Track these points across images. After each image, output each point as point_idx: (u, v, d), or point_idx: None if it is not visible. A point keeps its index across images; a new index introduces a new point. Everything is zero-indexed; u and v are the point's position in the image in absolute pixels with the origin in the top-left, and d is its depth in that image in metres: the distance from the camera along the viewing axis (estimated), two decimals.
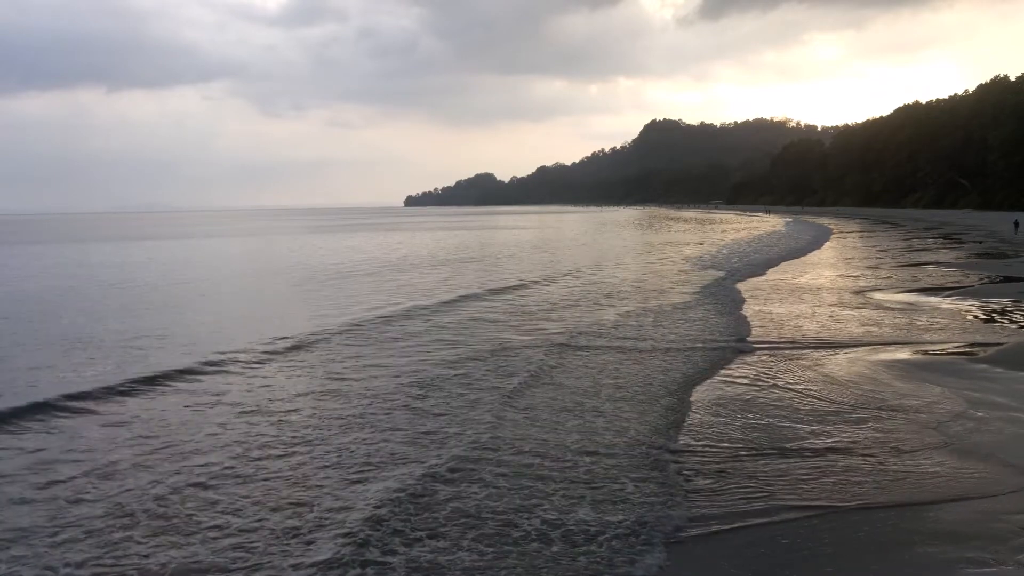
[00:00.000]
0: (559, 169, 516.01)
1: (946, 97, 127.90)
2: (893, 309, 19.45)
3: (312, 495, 7.51)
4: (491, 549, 6.33)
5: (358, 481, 7.86)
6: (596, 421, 9.91)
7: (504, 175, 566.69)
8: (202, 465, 8.42)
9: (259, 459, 8.60)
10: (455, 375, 12.69)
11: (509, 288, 25.66)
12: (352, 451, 8.81)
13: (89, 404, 11.00)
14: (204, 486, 7.83)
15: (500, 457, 8.52)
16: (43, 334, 17.68)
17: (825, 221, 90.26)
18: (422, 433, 9.47)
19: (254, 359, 14.28)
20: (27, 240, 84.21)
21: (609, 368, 13.04)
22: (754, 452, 8.69)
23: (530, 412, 10.36)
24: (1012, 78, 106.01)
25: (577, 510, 7.06)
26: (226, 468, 8.32)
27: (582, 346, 14.97)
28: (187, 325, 19.18)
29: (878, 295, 22.49)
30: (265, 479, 7.98)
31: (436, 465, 8.22)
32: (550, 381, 12.13)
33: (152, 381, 12.34)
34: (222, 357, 14.28)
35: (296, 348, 15.29)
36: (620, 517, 6.90)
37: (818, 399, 10.86)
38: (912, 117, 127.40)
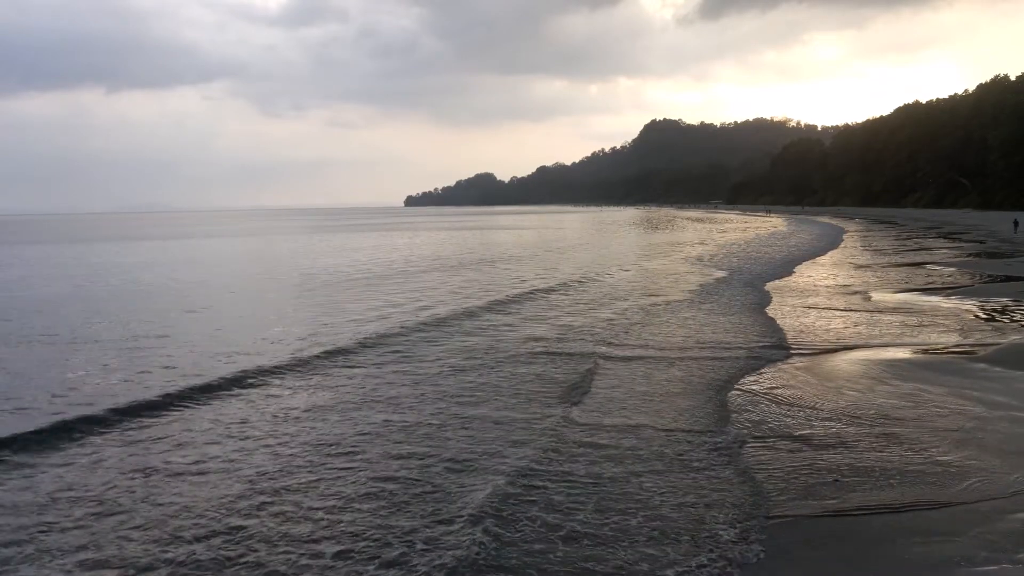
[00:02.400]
0: (559, 169, 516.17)
1: (946, 97, 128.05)
2: (893, 308, 19.51)
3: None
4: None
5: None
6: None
7: (504, 175, 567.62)
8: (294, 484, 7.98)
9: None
10: (517, 378, 12.46)
11: (539, 292, 24.48)
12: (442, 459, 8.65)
13: (139, 421, 10.43)
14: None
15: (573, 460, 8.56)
16: (64, 343, 16.93)
17: (830, 221, 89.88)
18: (504, 440, 9.27)
19: (309, 369, 13.60)
20: (37, 241, 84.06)
21: (660, 374, 12.77)
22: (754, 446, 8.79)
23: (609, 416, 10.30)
24: (1012, 78, 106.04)
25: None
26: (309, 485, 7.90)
27: (628, 356, 14.23)
28: (223, 332, 18.12)
29: (884, 295, 22.54)
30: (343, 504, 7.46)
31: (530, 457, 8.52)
32: (616, 390, 11.68)
33: (200, 392, 11.74)
34: (285, 363, 13.78)
35: (336, 355, 14.64)
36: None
37: (820, 400, 10.90)
38: (912, 117, 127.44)
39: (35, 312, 22.41)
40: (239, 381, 12.58)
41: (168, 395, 11.62)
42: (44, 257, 51.97)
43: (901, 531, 6.64)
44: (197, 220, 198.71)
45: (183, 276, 34.75)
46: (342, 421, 10.28)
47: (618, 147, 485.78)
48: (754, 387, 11.68)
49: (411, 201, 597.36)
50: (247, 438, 9.60)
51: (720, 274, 29.81)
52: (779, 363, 13.33)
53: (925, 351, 14.17)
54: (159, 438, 9.71)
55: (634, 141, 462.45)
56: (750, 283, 26.35)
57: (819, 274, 29.73)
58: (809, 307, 20.17)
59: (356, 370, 13.52)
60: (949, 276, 27.50)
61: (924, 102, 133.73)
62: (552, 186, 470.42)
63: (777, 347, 14.77)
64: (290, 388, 12.38)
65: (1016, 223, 53.10)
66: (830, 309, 19.75)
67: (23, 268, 41.85)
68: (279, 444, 9.34)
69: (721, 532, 6.65)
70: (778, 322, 17.67)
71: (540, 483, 7.81)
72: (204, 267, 41.29)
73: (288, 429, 9.97)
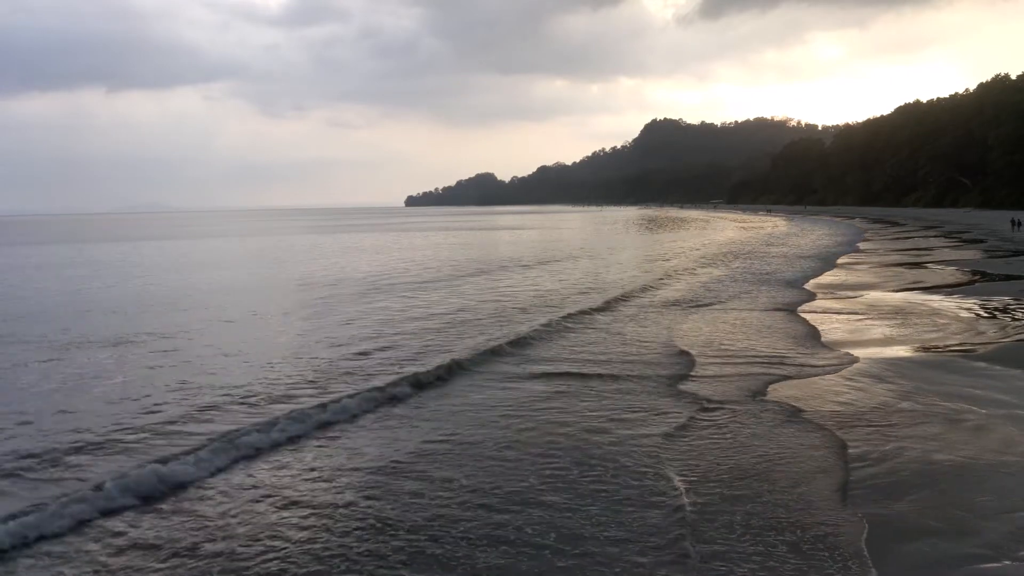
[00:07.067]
0: (560, 169, 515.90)
1: (947, 96, 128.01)
2: (893, 307, 19.52)
3: None
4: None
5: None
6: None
7: (505, 175, 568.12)
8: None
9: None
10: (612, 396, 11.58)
11: (601, 304, 21.65)
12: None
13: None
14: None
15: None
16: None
17: (837, 220, 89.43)
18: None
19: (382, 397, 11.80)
20: (45, 241, 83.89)
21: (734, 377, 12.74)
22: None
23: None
24: (1013, 77, 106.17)
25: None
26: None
27: (710, 374, 12.77)
28: (284, 348, 16.14)
29: (884, 294, 22.54)
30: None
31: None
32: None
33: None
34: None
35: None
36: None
37: (818, 400, 10.94)
38: (913, 116, 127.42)
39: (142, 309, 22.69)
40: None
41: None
42: (105, 258, 49.95)
43: (900, 530, 6.63)
44: (201, 220, 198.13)
45: (232, 278, 33.58)
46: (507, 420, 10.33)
47: (619, 147, 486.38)
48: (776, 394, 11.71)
49: (412, 201, 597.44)
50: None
51: (767, 278, 27.91)
52: (789, 365, 13.36)
53: (926, 349, 14.18)
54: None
55: (635, 141, 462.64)
56: (806, 283, 25.92)
57: (838, 276, 29.26)
58: (818, 310, 20.19)
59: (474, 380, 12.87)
60: (950, 275, 27.51)
61: (925, 101, 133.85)
62: (553, 186, 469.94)
63: (793, 348, 14.73)
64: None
65: (1013, 222, 53.22)
66: (829, 311, 19.77)
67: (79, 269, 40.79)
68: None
69: None
70: (793, 325, 17.66)
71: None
72: (240, 269, 39.67)
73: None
